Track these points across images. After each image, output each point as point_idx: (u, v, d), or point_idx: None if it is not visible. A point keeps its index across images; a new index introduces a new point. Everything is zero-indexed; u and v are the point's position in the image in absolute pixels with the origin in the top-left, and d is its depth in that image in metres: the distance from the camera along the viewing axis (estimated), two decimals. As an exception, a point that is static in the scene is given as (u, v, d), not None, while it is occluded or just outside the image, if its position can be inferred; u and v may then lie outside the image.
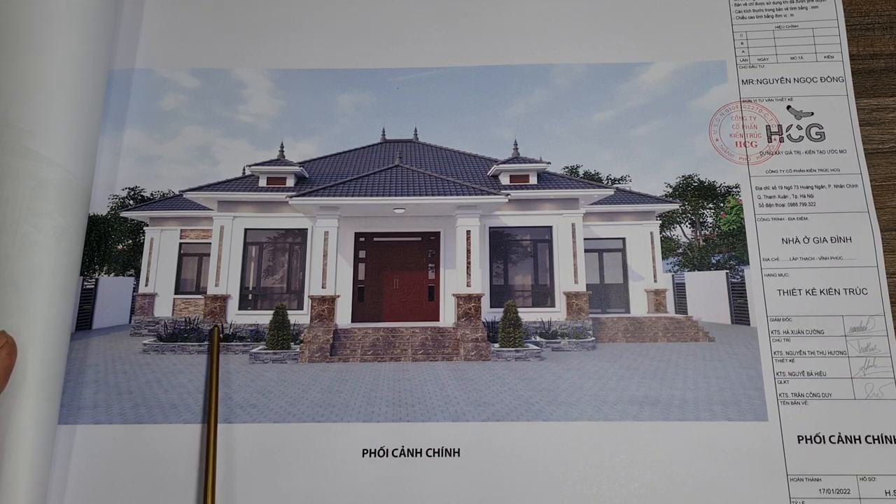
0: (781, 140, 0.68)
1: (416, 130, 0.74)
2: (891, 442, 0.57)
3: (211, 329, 0.63)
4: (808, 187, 0.66)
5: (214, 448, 0.56)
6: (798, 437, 0.58)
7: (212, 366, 0.60)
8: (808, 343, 0.61)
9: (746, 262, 0.65)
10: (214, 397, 0.58)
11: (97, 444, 0.58)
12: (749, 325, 0.63)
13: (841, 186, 0.66)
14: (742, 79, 0.71)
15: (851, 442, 0.57)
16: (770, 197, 0.66)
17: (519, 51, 0.74)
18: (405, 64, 0.73)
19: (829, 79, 0.70)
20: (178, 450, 0.58)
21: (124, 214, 0.76)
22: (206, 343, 0.62)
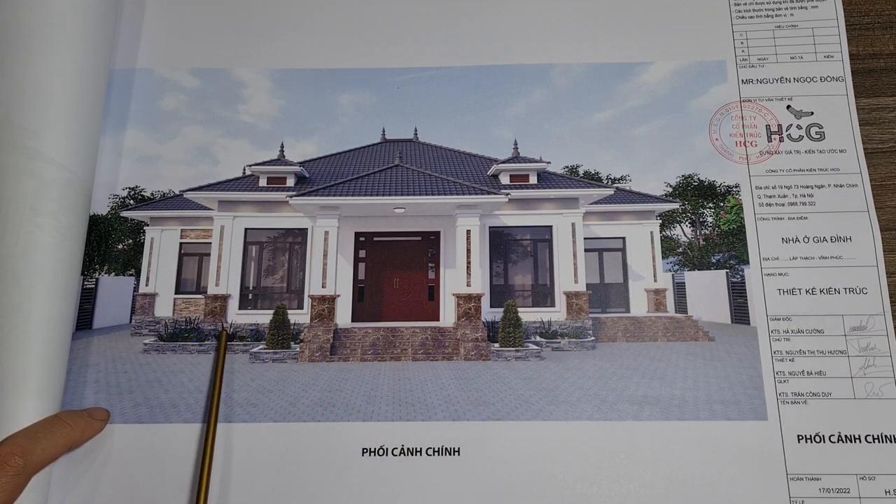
0: (781, 140, 0.68)
1: (416, 130, 0.74)
2: (891, 441, 0.57)
3: (219, 331, 0.64)
4: (807, 187, 0.66)
5: (212, 450, 0.56)
6: (798, 436, 0.58)
7: (217, 367, 0.61)
8: (808, 342, 0.61)
9: (746, 262, 0.65)
10: (217, 398, 0.58)
11: (97, 444, 0.58)
12: (749, 324, 0.64)
13: (841, 186, 0.66)
14: (742, 78, 0.71)
15: (851, 441, 0.57)
16: (770, 196, 0.66)
17: (519, 51, 0.74)
18: (405, 64, 0.74)
19: (828, 78, 0.70)
20: (179, 450, 0.58)
21: (125, 214, 0.76)
22: (206, 343, 0.62)
